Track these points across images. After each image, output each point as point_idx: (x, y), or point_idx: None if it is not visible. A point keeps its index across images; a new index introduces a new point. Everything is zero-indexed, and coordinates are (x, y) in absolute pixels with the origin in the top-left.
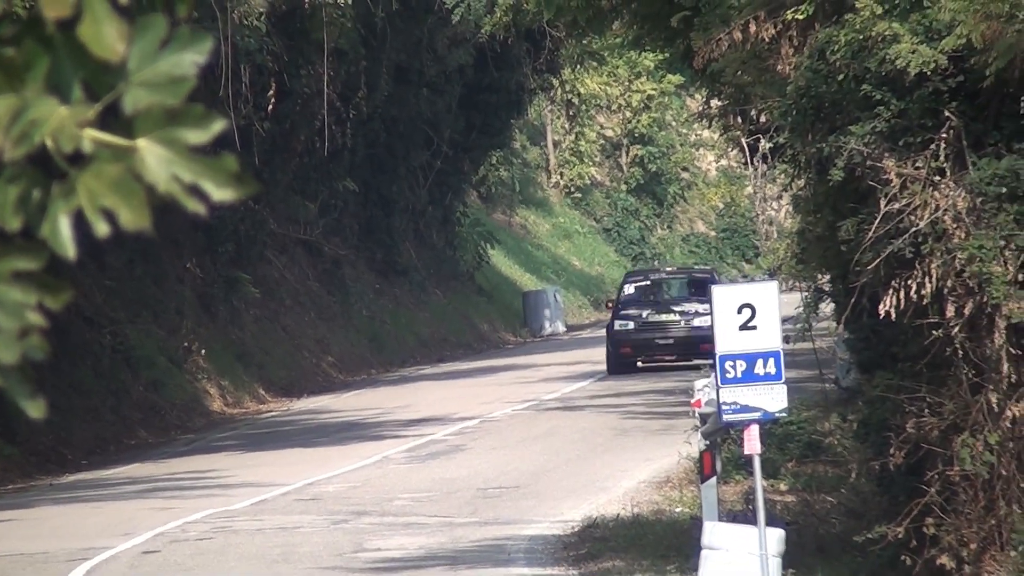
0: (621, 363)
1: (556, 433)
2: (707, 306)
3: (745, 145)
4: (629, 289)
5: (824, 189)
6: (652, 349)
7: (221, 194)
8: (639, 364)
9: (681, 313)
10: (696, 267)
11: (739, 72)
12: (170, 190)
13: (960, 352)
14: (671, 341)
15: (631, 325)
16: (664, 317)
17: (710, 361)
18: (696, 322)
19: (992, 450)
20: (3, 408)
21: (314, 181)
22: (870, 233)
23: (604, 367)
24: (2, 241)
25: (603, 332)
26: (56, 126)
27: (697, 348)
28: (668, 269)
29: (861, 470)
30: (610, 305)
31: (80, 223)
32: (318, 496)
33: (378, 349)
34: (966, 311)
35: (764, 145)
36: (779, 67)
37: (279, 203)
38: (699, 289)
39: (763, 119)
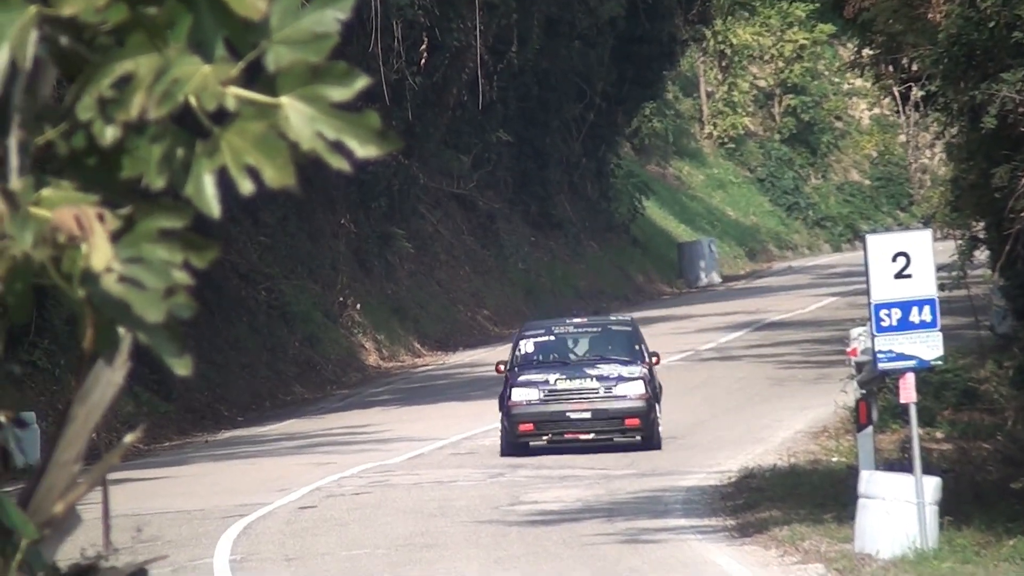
0: (518, 443)
1: (712, 383)
2: (632, 368)
3: (897, 93)
4: (526, 346)
5: (977, 137)
6: (562, 425)
7: (365, 151)
8: (544, 442)
9: (599, 378)
10: (612, 318)
11: (890, 20)
12: (313, 147)
13: None
14: (587, 415)
15: (534, 395)
16: (578, 383)
17: (636, 439)
18: (619, 390)
19: None
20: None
21: (466, 135)
22: None
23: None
24: (147, 200)
25: (763, 282)
26: (199, 84)
27: (621, 423)
28: (576, 321)
29: (1018, 417)
30: (501, 370)
31: (227, 182)
32: (474, 450)
33: (534, 302)
34: None
35: (916, 93)
36: (930, 15)
37: (432, 157)
38: (618, 346)
39: (915, 67)
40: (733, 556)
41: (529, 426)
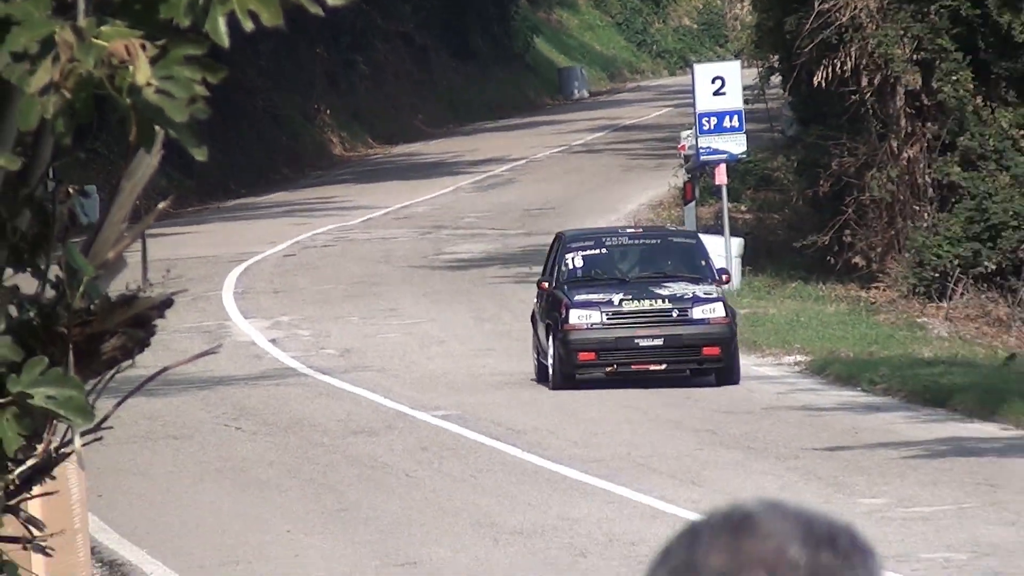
0: (574, 375)
1: (581, 169)
2: (707, 288)
3: None
4: (574, 260)
5: None
6: (631, 354)
7: (334, 0)
8: (605, 374)
9: (671, 299)
10: (671, 228)
11: None
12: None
13: (871, 111)
14: (660, 342)
15: (596, 318)
16: (647, 304)
17: (709, 367)
18: (697, 312)
19: (892, 181)
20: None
21: None
22: (807, 26)
23: (617, 121)
24: (177, 34)
25: (619, 97)
26: None
27: (699, 352)
28: (630, 231)
29: (799, 196)
30: (545, 286)
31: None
32: (410, 215)
33: (454, 111)
34: (875, 82)
35: None
36: None
37: (384, 3)
38: (682, 262)
39: None
40: None
41: (590, 355)
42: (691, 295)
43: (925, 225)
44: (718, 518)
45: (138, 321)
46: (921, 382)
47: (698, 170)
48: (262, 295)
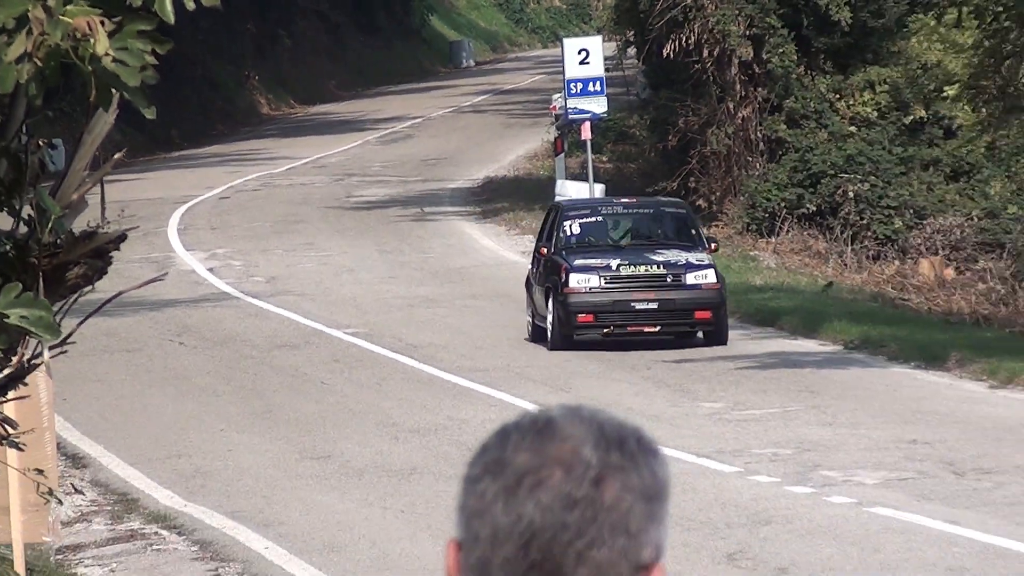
0: (573, 336)
1: (469, 127)
2: (699, 255)
3: None
4: (571, 227)
5: None
6: (627, 316)
7: None
8: (602, 335)
9: (666, 264)
10: (663, 199)
11: None
12: None
13: (711, 78)
14: (654, 305)
15: (595, 281)
16: (643, 269)
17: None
18: (690, 278)
19: (729, 137)
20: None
21: None
22: (658, 6)
23: (499, 86)
24: (131, 12)
25: (500, 66)
26: None
27: (691, 316)
28: (624, 200)
29: (651, 149)
30: (544, 252)
31: (179, 2)
32: (325, 165)
33: (362, 77)
34: (715, 53)
35: None
36: None
37: None
38: (673, 230)
39: None
40: (478, 228)
41: (588, 317)
42: (684, 261)
43: (757, 174)
44: (526, 422)
45: (97, 253)
46: (753, 305)
47: (567, 127)
48: (201, 231)
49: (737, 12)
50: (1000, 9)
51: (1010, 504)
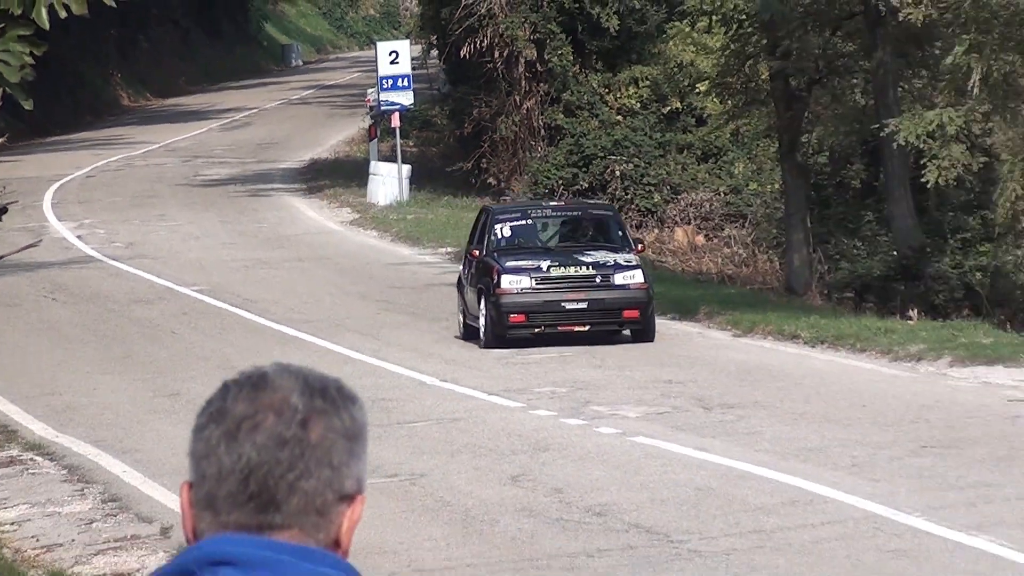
0: (505, 335)
1: (298, 116)
2: (626, 256)
3: None
4: (502, 230)
5: None
6: (557, 316)
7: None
8: (533, 335)
9: (595, 265)
10: (591, 202)
11: None
12: None
13: (501, 75)
14: (583, 305)
15: (526, 283)
16: (572, 271)
17: (625, 330)
18: (618, 278)
19: (516, 124)
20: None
21: None
22: (457, 15)
23: (322, 82)
24: (11, 20)
25: (324, 65)
26: None
27: (619, 315)
28: (553, 204)
29: (450, 135)
30: (476, 254)
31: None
32: (176, 148)
33: (208, 75)
34: (504, 55)
35: None
36: None
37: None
38: (601, 232)
39: None
40: (304, 202)
41: (520, 317)
42: (612, 263)
43: (539, 156)
44: (243, 377)
45: None
46: None
47: (379, 116)
48: (71, 204)
49: (523, 20)
50: (744, 18)
51: (749, 434)
